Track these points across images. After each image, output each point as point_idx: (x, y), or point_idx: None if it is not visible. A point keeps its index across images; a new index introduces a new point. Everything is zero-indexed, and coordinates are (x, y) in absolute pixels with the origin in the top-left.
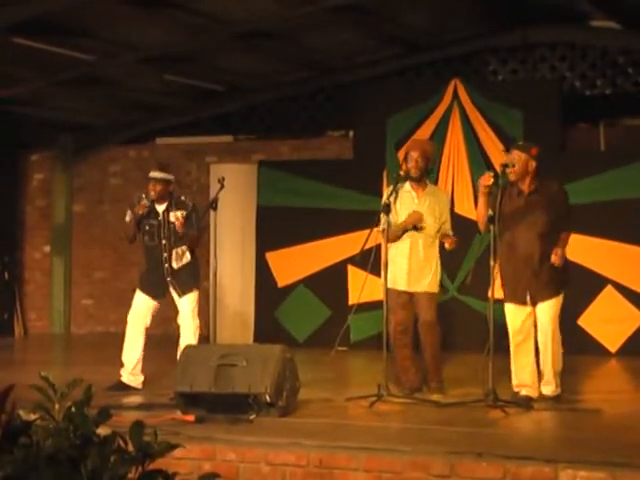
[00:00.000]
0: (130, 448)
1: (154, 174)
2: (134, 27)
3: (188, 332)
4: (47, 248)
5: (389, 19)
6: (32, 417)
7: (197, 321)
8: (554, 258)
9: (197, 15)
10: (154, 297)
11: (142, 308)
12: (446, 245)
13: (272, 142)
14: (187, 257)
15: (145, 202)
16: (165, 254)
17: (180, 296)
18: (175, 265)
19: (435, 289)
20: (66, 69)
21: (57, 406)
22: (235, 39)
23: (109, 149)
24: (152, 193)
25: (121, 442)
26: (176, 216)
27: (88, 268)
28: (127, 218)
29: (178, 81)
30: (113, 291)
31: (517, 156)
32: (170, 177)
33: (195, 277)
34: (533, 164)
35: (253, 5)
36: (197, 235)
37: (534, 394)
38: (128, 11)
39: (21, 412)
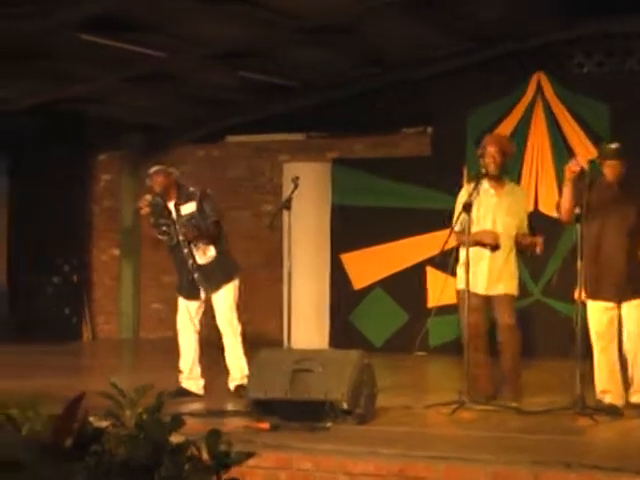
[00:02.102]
0: (204, 456)
1: (152, 169)
2: (204, 22)
3: (227, 331)
4: (115, 251)
5: (468, 11)
6: (103, 424)
7: (235, 318)
8: None
9: (268, 9)
10: (190, 299)
11: (184, 313)
12: (537, 250)
13: (346, 139)
14: (211, 251)
15: (148, 197)
16: (185, 250)
17: (209, 293)
18: (200, 260)
19: (515, 291)
20: (134, 66)
21: (128, 413)
22: (306, 34)
23: (178, 149)
24: (156, 187)
25: (194, 450)
26: (184, 233)
27: (158, 271)
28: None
29: (248, 77)
30: None
31: (619, 163)
32: (169, 169)
33: (225, 271)
34: (625, 165)
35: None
36: (213, 225)
37: (619, 401)
38: (197, 6)
39: (92, 419)
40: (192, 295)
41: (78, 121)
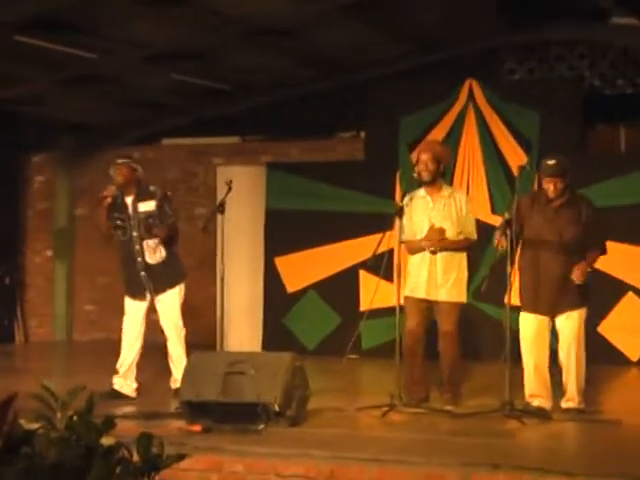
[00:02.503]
0: (135, 458)
1: (117, 160)
2: (140, 24)
3: (171, 334)
4: (49, 252)
5: (402, 17)
6: (34, 427)
7: (180, 321)
8: (576, 273)
9: (204, 11)
10: (137, 298)
11: (133, 314)
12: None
13: (281, 143)
14: (162, 252)
15: (112, 188)
16: (137, 247)
17: (155, 294)
18: (150, 260)
19: (458, 298)
20: (69, 67)
21: (59, 415)
22: (243, 37)
23: (113, 150)
24: (119, 178)
25: (126, 452)
26: (153, 245)
27: (91, 273)
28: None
29: (184, 80)
30: (117, 297)
31: (558, 181)
32: (134, 164)
33: (173, 274)
34: (569, 177)
35: (262, 1)
36: (173, 226)
37: (547, 405)
38: (134, 8)
39: (23, 421)
40: (139, 294)
41: (12, 122)
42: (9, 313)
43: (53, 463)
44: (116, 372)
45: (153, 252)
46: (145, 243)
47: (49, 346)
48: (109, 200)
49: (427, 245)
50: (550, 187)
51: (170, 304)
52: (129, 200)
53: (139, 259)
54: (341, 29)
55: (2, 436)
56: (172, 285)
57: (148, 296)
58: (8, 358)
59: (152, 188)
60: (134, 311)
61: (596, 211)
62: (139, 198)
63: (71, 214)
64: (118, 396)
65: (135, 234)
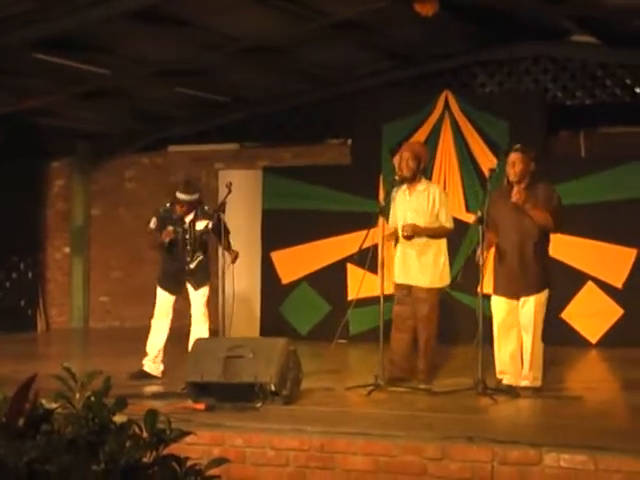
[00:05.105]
0: (145, 434)
1: (180, 196)
2: (147, 43)
3: (200, 321)
4: (67, 249)
5: (384, 35)
6: (53, 406)
7: (207, 310)
8: (514, 195)
9: (205, 32)
10: (173, 293)
11: (164, 304)
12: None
13: (275, 149)
14: (200, 258)
15: (171, 230)
16: (188, 258)
17: (195, 289)
18: (192, 266)
19: (433, 284)
20: (84, 82)
21: (77, 395)
22: (241, 54)
23: (124, 156)
24: (179, 211)
25: (136, 429)
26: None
27: (105, 268)
28: (152, 225)
29: (188, 93)
30: (128, 289)
31: (518, 159)
32: (195, 197)
33: (207, 274)
34: (533, 165)
35: (257, 22)
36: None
37: (515, 382)
38: (141, 28)
39: (43, 401)
40: (176, 290)
41: (33, 131)
42: (31, 304)
43: (70, 439)
44: (145, 354)
45: (195, 259)
46: (195, 255)
47: (68, 333)
48: (167, 242)
49: (402, 233)
50: (511, 169)
51: (201, 298)
52: (187, 219)
53: (187, 267)
54: (329, 46)
55: (24, 414)
56: (205, 283)
57: (182, 292)
58: (31, 344)
59: (206, 208)
60: (166, 302)
61: (553, 190)
62: (196, 219)
63: (87, 214)
64: (147, 376)
65: (189, 248)
